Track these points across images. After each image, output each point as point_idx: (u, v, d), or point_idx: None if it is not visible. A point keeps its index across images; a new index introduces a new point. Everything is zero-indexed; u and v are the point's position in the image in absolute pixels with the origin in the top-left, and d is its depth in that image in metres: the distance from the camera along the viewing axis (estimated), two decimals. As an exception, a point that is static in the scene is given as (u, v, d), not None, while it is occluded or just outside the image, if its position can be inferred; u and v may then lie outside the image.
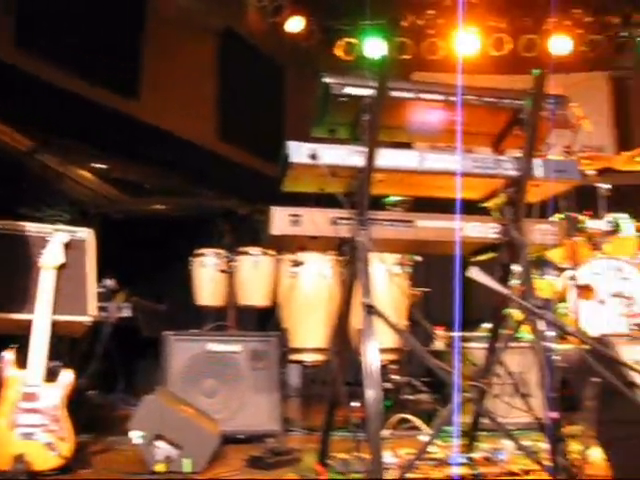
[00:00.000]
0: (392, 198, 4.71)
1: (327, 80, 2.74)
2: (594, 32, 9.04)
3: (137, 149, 6.52)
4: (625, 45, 9.13)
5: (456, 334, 3.18)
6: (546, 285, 5.46)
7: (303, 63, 8.73)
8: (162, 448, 3.13)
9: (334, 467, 3.03)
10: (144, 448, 3.13)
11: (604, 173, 5.85)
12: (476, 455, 3.27)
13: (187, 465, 3.15)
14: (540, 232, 2.96)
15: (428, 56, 9.05)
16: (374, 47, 8.69)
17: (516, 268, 2.93)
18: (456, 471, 3.08)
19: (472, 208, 2.94)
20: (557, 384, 2.51)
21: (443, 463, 3.23)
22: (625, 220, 5.55)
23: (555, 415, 2.45)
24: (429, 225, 2.83)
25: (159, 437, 3.13)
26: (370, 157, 2.64)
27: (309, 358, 4.55)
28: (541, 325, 2.61)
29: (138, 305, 5.32)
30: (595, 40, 9.00)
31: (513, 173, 2.87)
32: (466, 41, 8.96)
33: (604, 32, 9.05)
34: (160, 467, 3.11)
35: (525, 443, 3.28)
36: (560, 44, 8.99)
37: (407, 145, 3.21)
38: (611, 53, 9.19)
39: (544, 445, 2.64)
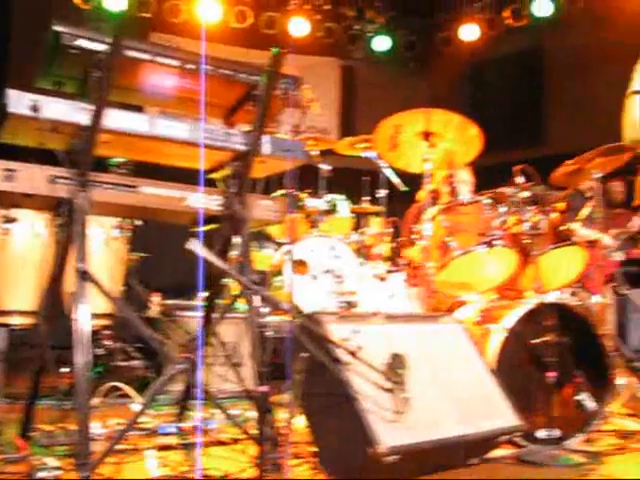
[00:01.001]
0: (116, 160, 4.54)
1: (58, 28, 2.56)
2: (331, 20, 9.45)
3: None
4: (357, 38, 9.65)
5: (200, 302, 3.15)
6: (263, 258, 5.63)
7: (34, 6, 8.14)
8: None
9: (37, 440, 2.88)
10: None
11: (326, 155, 6.13)
12: (186, 424, 3.28)
13: None
14: (262, 208, 3.01)
15: (169, 18, 8.88)
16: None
17: (237, 240, 2.96)
18: (165, 441, 3.08)
19: (197, 178, 2.92)
20: (268, 358, 2.58)
21: (153, 433, 3.21)
22: (342, 201, 5.86)
23: (264, 389, 2.53)
24: (153, 192, 2.76)
25: None
26: (97, 116, 2.50)
27: (16, 321, 4.27)
28: (256, 300, 2.67)
29: None
30: (331, 28, 9.42)
31: (241, 147, 2.88)
32: (209, 9, 8.92)
33: (340, 22, 9.50)
34: None
35: (235, 412, 3.36)
36: (299, 26, 9.28)
37: (138, 108, 3.09)
38: (344, 43, 9.67)
39: (253, 413, 2.71)
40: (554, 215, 4.01)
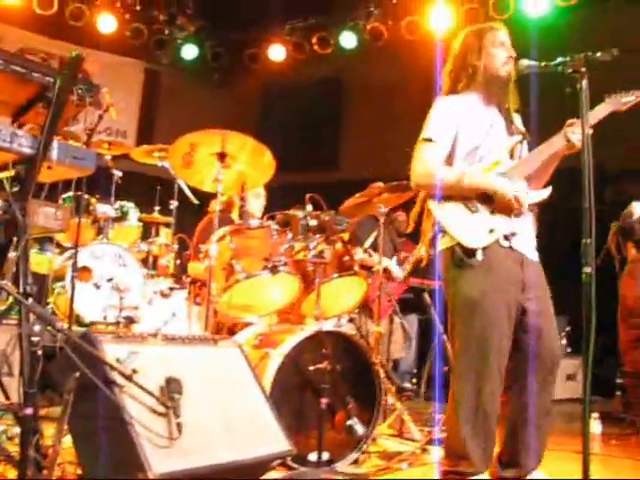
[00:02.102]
0: None
1: None
2: (140, 21, 9.23)
3: None
4: (166, 43, 9.50)
5: None
6: (45, 261, 5.37)
7: None
8: None
9: None
10: None
11: (120, 159, 5.98)
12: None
13: None
14: (45, 215, 2.87)
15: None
16: None
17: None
18: None
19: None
20: (37, 377, 2.46)
21: None
22: (132, 209, 5.73)
23: (29, 411, 2.40)
24: None
25: None
26: None
27: None
28: (28, 315, 2.53)
29: None
30: (140, 29, 9.19)
31: (27, 150, 2.72)
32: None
33: (149, 24, 9.30)
34: None
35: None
36: (106, 23, 9.00)
37: None
38: (152, 46, 9.47)
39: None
40: (338, 245, 4.15)
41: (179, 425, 2.53)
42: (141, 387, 2.47)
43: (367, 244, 5.09)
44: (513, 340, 3.19)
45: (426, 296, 5.47)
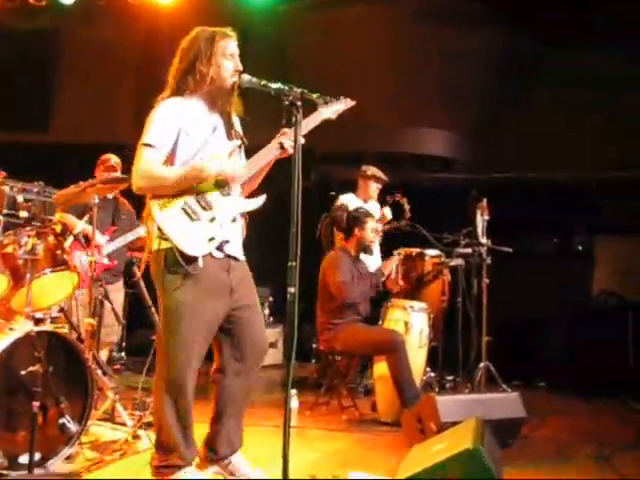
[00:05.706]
0: None
1: None
2: None
3: None
4: None
5: None
6: None
7: None
8: None
9: None
10: None
11: None
12: None
13: None
14: None
15: None
16: None
17: None
18: None
19: None
20: None
21: None
22: None
23: None
24: None
25: None
26: None
27: None
28: None
29: None
30: None
31: None
32: None
33: None
34: None
35: None
36: None
37: None
38: None
39: None
40: (51, 238, 4.05)
41: None
42: None
43: (79, 228, 5.00)
44: (226, 332, 3.47)
45: (135, 269, 5.49)
